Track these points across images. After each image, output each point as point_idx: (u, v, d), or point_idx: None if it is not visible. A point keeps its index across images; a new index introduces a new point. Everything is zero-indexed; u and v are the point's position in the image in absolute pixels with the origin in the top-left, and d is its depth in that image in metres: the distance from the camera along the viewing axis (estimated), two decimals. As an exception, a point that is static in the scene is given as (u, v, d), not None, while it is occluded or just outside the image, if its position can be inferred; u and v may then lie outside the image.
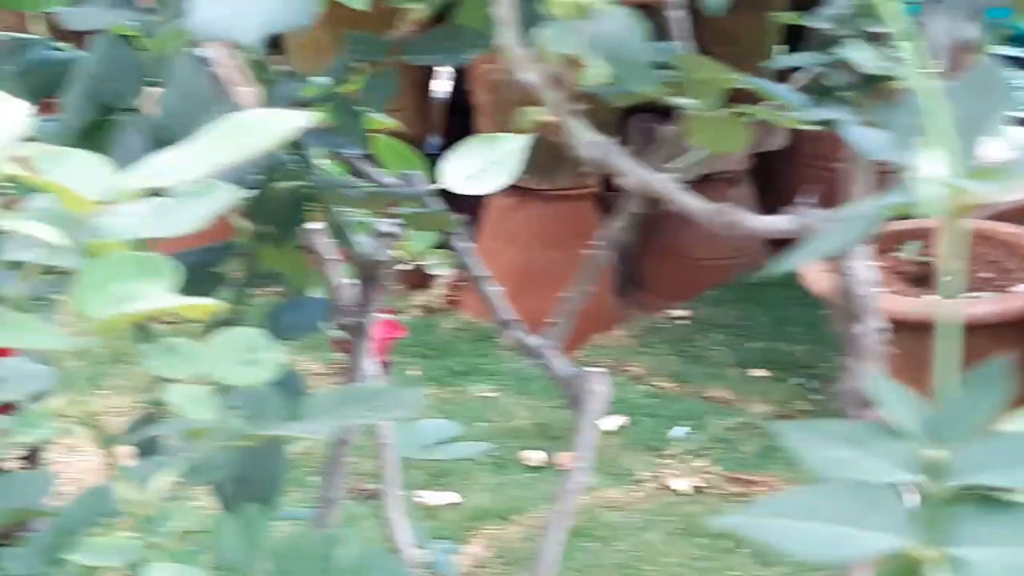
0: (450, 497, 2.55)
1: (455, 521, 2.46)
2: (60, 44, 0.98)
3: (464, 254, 1.02)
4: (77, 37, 0.96)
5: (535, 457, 2.75)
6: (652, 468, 2.73)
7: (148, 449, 0.93)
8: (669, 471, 2.73)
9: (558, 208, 3.39)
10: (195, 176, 0.60)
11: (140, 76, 0.89)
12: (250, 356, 0.64)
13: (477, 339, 3.36)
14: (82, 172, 0.59)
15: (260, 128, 0.60)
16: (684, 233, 3.69)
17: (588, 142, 0.74)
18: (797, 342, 3.39)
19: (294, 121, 0.60)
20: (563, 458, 2.75)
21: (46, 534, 0.69)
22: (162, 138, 0.90)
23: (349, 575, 0.67)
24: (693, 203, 0.75)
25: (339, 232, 1.00)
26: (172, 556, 0.65)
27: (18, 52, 0.97)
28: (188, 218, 0.62)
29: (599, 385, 1.00)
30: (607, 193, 3.69)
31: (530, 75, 0.73)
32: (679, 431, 2.90)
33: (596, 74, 0.67)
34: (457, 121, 3.92)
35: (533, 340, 1.03)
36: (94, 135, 0.88)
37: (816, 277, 2.66)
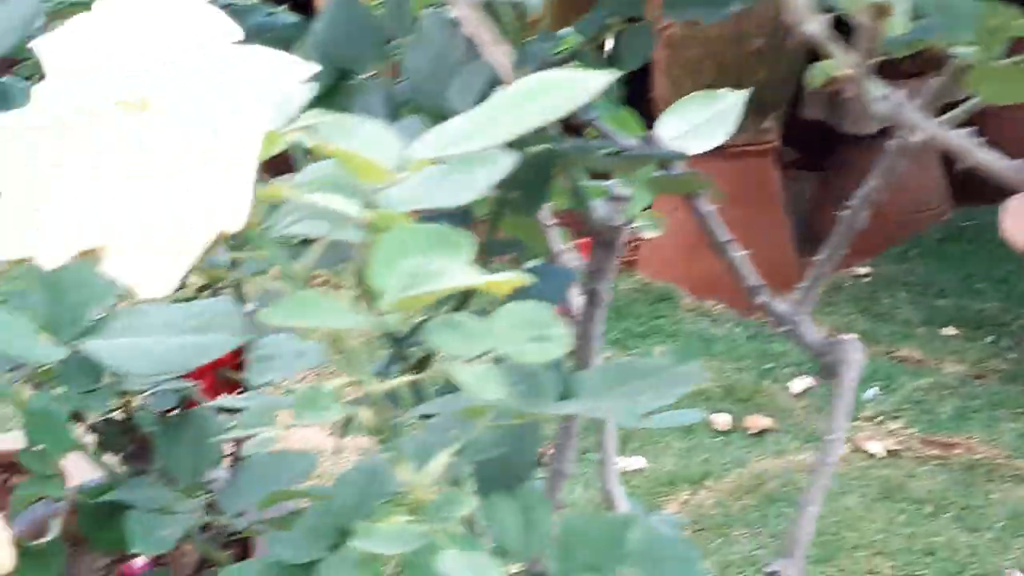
0: (639, 462, 2.51)
1: (646, 487, 2.42)
2: (276, 9, 0.96)
3: (707, 217, 0.97)
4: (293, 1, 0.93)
5: (722, 421, 2.70)
6: (845, 431, 2.65)
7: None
8: (863, 434, 2.66)
9: (736, 165, 3.31)
10: (489, 144, 0.56)
11: (378, 39, 0.86)
12: (540, 332, 0.61)
13: (655, 300, 3.31)
14: (370, 141, 0.56)
15: (558, 91, 0.56)
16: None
17: (880, 96, 0.70)
18: (987, 299, 3.28)
19: (593, 83, 0.56)
20: (751, 421, 2.69)
21: (316, 517, 0.67)
22: (406, 103, 0.87)
23: (642, 562, 0.64)
24: (994, 161, 0.69)
25: (578, 196, 0.96)
26: (455, 542, 0.62)
27: (237, 18, 0.95)
28: (468, 187, 0.59)
29: (854, 353, 0.95)
30: (786, 149, 3.61)
31: (813, 26, 0.68)
32: (871, 392, 2.82)
33: (900, 23, 0.62)
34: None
35: (781, 306, 0.98)
36: (329, 101, 0.85)
37: (1017, 231, 2.56)
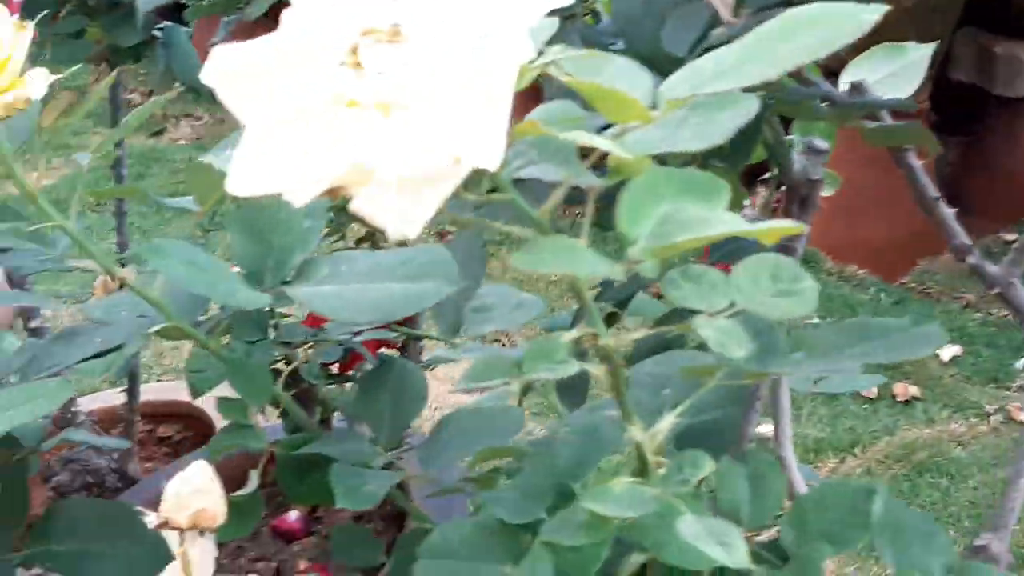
0: (783, 428, 2.44)
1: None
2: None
3: (915, 172, 0.93)
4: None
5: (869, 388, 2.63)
6: (996, 400, 2.57)
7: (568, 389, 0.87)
8: (1015, 404, 2.57)
9: (885, 125, 3.21)
10: (750, 83, 0.52)
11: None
12: (787, 286, 0.57)
13: (797, 263, 3.23)
14: (620, 77, 0.53)
15: (826, 26, 0.52)
16: (1012, 150, 3.49)
17: None
18: None
19: (865, 17, 0.52)
20: (899, 389, 2.63)
21: (534, 476, 0.64)
22: (605, 47, 0.83)
23: (885, 533, 0.60)
24: None
25: (776, 148, 0.92)
26: (689, 507, 0.58)
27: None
28: (713, 131, 0.55)
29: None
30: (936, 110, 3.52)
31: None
32: (1022, 362, 2.73)
33: None
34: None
35: (992, 268, 0.93)
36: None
37: None
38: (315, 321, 1.16)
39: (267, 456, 0.78)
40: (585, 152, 0.55)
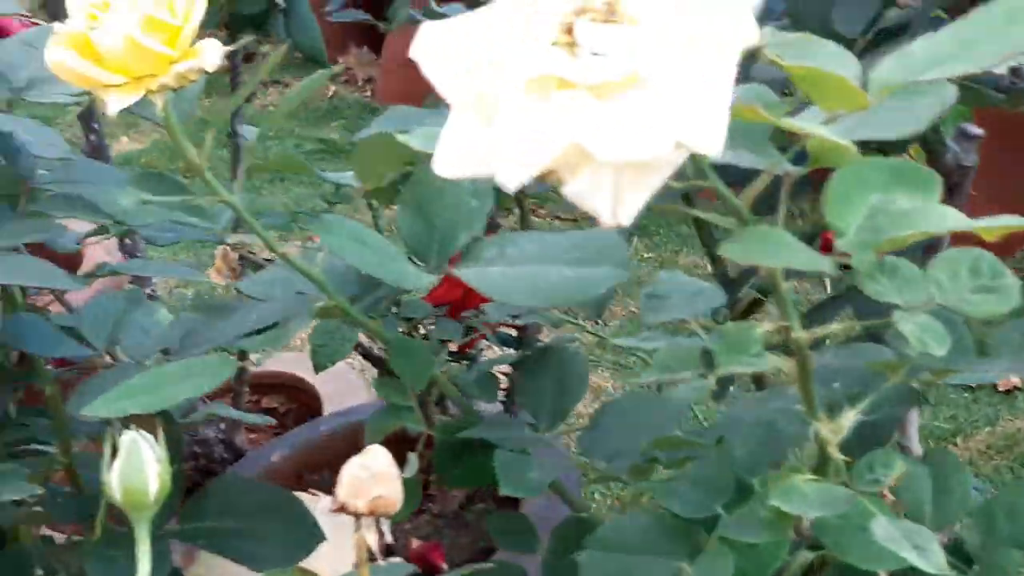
0: (883, 415, 2.40)
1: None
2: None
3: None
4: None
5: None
6: None
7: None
8: (1125, 394, 2.52)
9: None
10: (966, 70, 0.50)
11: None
12: (988, 281, 0.55)
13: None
14: (831, 60, 0.51)
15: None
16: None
17: None
18: None
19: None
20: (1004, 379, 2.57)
21: (710, 469, 0.62)
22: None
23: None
24: None
25: (931, 134, 0.89)
26: (877, 507, 0.56)
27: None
28: (909, 119, 0.53)
29: None
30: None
31: None
32: None
33: None
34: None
35: None
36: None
37: None
38: (436, 298, 1.15)
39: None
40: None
